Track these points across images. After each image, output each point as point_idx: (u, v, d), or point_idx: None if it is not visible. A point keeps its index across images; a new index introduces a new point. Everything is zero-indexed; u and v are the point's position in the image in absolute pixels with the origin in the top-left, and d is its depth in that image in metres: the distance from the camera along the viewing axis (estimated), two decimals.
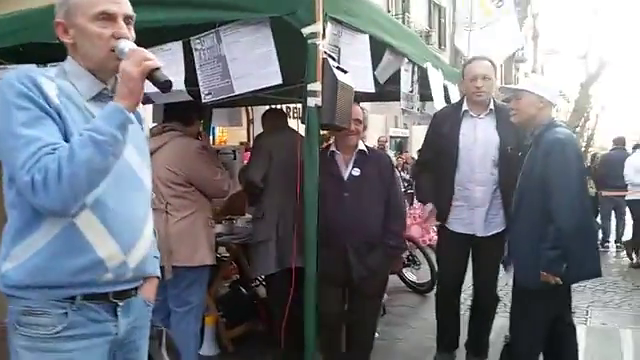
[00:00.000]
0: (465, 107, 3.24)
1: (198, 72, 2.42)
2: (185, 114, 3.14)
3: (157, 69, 1.31)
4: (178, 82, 2.45)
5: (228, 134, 11.16)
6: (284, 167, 3.04)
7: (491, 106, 3.21)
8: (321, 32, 2.18)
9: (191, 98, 2.61)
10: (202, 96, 2.43)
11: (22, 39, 2.71)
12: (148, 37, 2.49)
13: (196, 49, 2.40)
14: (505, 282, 2.97)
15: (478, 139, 3.16)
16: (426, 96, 3.74)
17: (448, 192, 3.22)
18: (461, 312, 3.51)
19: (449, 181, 3.20)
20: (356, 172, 2.79)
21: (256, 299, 4.13)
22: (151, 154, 2.95)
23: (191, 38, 2.41)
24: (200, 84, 2.42)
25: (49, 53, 2.72)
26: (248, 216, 4.24)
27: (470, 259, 3.38)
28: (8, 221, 1.39)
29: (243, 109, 6.14)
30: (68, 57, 1.47)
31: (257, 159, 3.38)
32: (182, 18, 2.33)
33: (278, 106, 4.82)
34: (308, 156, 2.27)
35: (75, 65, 1.44)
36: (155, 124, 3.33)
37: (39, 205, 1.27)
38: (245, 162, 5.29)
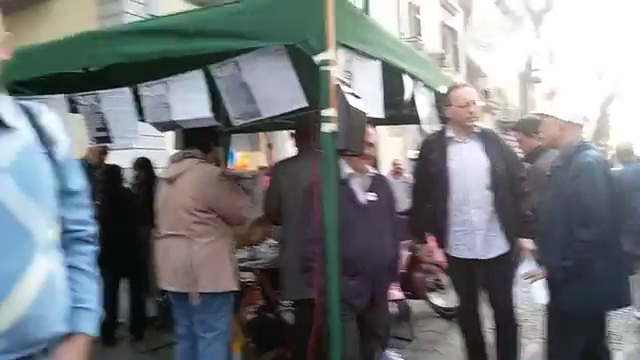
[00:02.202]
0: (450, 134, 3.28)
1: (224, 98, 2.48)
2: (203, 141, 3.21)
3: None
4: (203, 109, 2.53)
5: (248, 159, 11.28)
6: (298, 197, 2.98)
7: (475, 130, 3.24)
8: (333, 59, 2.21)
9: (218, 124, 2.64)
10: (232, 120, 2.49)
11: (47, 69, 2.80)
12: (169, 67, 2.61)
13: (217, 76, 2.46)
14: (539, 307, 2.93)
15: (467, 163, 3.20)
16: (445, 119, 3.75)
17: (445, 219, 3.24)
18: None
19: (445, 208, 3.23)
20: (372, 197, 2.76)
21: (283, 325, 4.10)
22: (172, 181, 3.08)
23: (210, 66, 2.47)
24: (228, 109, 2.48)
25: (76, 82, 2.82)
26: (271, 241, 4.28)
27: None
28: None
29: (262, 134, 6.21)
30: None
31: (268, 193, 3.47)
32: (199, 47, 2.38)
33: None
34: (326, 183, 2.26)
35: None
36: (177, 151, 3.40)
37: None
38: (266, 186, 5.35)
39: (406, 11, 16.86)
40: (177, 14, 2.62)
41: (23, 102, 1.31)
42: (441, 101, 3.51)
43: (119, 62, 2.56)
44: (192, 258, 2.93)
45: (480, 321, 3.43)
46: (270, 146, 6.45)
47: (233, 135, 5.43)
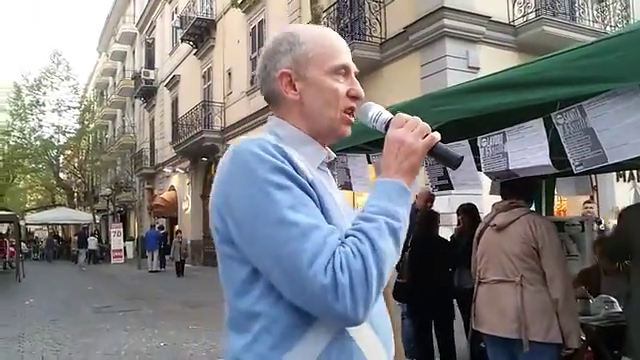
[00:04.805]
0: None
1: (564, 145, 2.44)
2: (526, 190, 3.25)
3: (439, 141, 1.13)
4: (543, 157, 2.55)
5: (567, 203, 10.43)
6: None
7: None
8: None
9: (557, 171, 2.62)
10: (572, 167, 2.45)
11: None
12: (504, 117, 2.71)
13: (558, 124, 2.44)
14: None
15: None
16: None
17: None
18: None
19: None
20: None
21: None
22: (501, 229, 3.13)
23: (552, 114, 2.46)
24: (569, 156, 2.44)
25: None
26: (604, 296, 3.89)
27: None
28: (241, 338, 1.05)
29: (588, 177, 5.71)
30: (275, 119, 1.22)
31: (616, 236, 3.27)
32: (543, 97, 2.38)
33: None
34: None
35: (290, 129, 1.19)
36: (497, 199, 3.44)
37: (334, 314, 0.96)
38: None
39: None
40: (514, 67, 2.70)
41: None
42: None
43: (461, 118, 2.77)
44: (523, 304, 2.93)
45: None
46: (595, 188, 5.90)
47: (557, 179, 5.17)
